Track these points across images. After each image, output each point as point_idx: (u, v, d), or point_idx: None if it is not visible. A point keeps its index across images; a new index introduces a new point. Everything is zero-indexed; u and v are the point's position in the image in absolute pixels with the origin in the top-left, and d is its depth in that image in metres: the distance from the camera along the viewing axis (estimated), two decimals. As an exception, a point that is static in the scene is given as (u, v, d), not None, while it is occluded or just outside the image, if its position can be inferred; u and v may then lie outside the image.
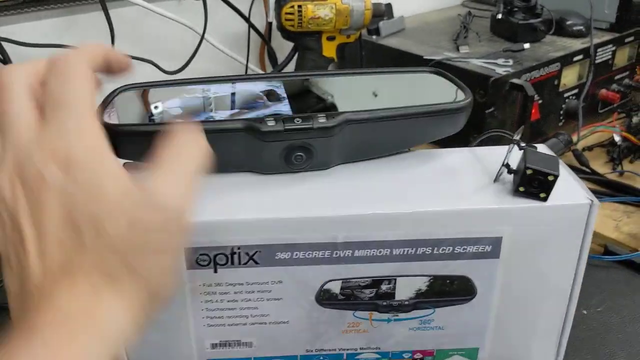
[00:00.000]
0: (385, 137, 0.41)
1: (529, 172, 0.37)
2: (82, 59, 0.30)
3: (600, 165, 0.77)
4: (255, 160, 0.40)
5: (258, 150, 0.39)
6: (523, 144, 0.39)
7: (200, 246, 0.38)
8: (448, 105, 0.40)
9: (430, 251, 0.39)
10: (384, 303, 0.41)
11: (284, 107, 0.42)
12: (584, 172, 0.75)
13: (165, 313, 0.40)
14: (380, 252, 0.39)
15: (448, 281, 0.40)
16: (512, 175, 0.39)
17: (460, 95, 0.41)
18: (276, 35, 0.79)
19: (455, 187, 0.40)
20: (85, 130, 0.27)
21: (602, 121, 0.87)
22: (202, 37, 0.72)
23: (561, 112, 0.81)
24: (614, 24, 0.86)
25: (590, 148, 0.80)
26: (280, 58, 0.80)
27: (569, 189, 0.39)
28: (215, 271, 0.39)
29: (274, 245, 0.38)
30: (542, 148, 0.43)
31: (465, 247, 0.39)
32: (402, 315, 0.41)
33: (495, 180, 0.40)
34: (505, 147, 0.41)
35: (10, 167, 0.26)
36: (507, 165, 0.39)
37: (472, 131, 0.64)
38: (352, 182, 0.40)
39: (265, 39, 0.82)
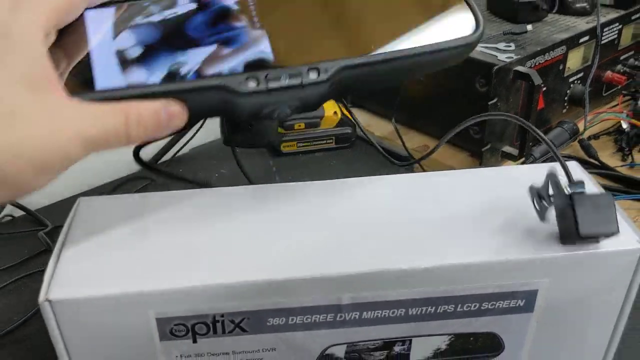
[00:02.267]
0: (382, 77, 0.34)
1: (582, 235, 0.30)
2: None
3: (608, 156, 0.72)
4: (232, 114, 0.33)
5: (235, 107, 0.32)
6: (570, 188, 0.31)
7: (175, 316, 0.31)
8: (460, 42, 0.33)
9: (452, 309, 0.32)
10: (397, 365, 0.35)
11: (263, 44, 0.32)
12: (593, 165, 0.69)
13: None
14: (393, 312, 0.32)
15: (472, 338, 0.34)
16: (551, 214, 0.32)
17: (467, 19, 0.34)
18: None
19: (483, 230, 0.33)
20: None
21: (606, 105, 0.81)
22: None
23: (565, 98, 0.75)
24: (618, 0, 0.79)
25: (596, 136, 0.74)
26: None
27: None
28: (195, 341, 0.32)
29: (265, 310, 0.32)
30: (575, 168, 0.37)
31: (495, 302, 0.32)
32: (417, 375, 0.35)
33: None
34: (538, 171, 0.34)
35: None
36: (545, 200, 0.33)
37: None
38: (357, 228, 0.34)
39: None
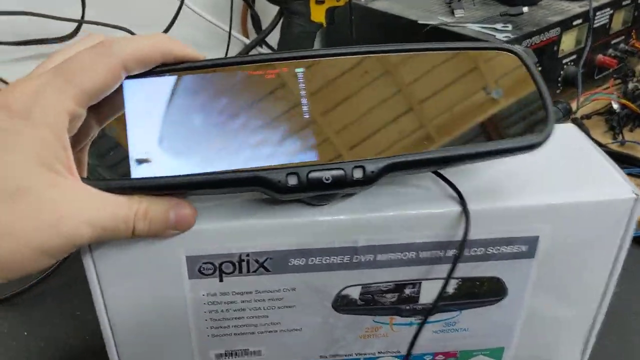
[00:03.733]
0: (429, 169, 0.34)
1: None
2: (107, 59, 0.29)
3: (600, 134, 0.75)
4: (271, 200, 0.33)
5: (274, 198, 0.32)
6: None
7: (204, 254, 0.34)
8: (522, 142, 0.31)
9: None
10: (407, 307, 0.37)
11: (307, 136, 0.30)
12: (584, 143, 0.72)
13: (162, 322, 0.36)
14: (405, 255, 0.35)
15: (477, 283, 0.37)
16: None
17: (535, 116, 0.31)
18: (260, -3, 0.73)
19: (492, 179, 0.36)
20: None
21: (598, 87, 0.84)
22: (182, 1, 0.65)
23: (559, 79, 0.77)
24: (610, -15, 0.81)
25: (588, 116, 0.77)
26: (265, 23, 0.74)
27: (612, 182, 0.35)
28: (221, 280, 0.35)
29: (288, 251, 0.34)
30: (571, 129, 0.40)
31: (499, 247, 0.35)
32: (424, 319, 0.38)
33: None
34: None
35: None
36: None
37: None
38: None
39: (249, 2, 0.75)
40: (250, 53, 0.76)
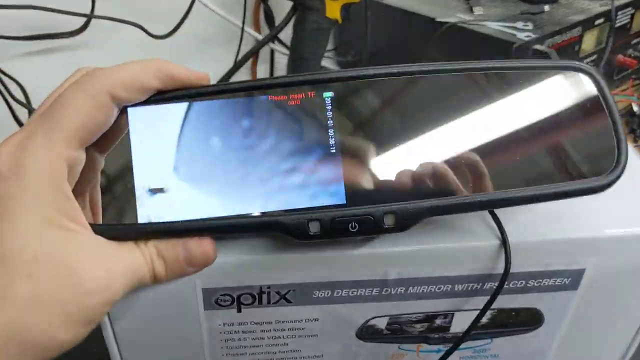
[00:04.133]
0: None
1: None
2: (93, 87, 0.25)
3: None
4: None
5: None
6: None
7: (221, 286, 0.31)
8: (586, 185, 0.26)
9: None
10: (436, 336, 0.35)
11: (334, 178, 0.27)
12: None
13: (175, 352, 0.34)
14: (439, 288, 0.32)
15: (513, 313, 0.34)
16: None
17: (607, 142, 0.26)
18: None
19: (533, 207, 0.33)
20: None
21: (616, 88, 0.81)
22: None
23: (579, 80, 0.75)
24: (631, -17, 0.79)
25: (607, 119, 0.75)
26: (278, 19, 0.71)
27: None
28: (239, 311, 0.32)
29: (311, 283, 0.31)
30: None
31: (540, 280, 0.32)
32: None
33: None
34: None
35: None
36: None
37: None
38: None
39: (262, -4, 0.72)
40: (265, 58, 0.72)
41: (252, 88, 0.28)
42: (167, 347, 0.34)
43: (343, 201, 0.26)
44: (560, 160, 0.27)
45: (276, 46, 0.71)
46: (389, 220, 0.26)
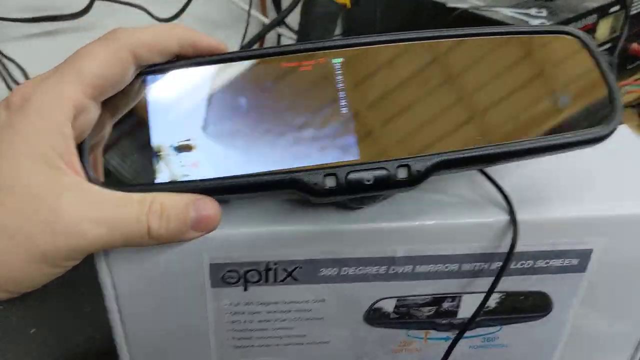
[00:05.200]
0: (479, 166, 0.31)
1: None
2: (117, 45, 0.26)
3: (632, 127, 0.71)
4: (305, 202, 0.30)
5: (309, 201, 0.29)
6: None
7: (228, 262, 0.31)
8: (583, 136, 0.27)
9: (506, 265, 0.32)
10: (444, 322, 0.35)
11: (347, 133, 0.28)
12: (618, 137, 0.69)
13: (180, 332, 0.34)
14: (447, 267, 0.32)
15: (522, 297, 0.34)
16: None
17: (600, 94, 0.28)
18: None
19: (543, 184, 0.33)
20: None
21: (629, 78, 0.80)
22: (197, -22, 0.62)
23: (592, 68, 0.74)
24: (648, -31, 0.77)
25: (620, 109, 0.74)
26: (285, 3, 0.70)
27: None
28: (246, 289, 0.32)
29: (319, 260, 0.31)
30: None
31: (548, 260, 0.32)
32: (462, 333, 0.35)
33: None
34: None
35: None
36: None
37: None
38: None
39: (267, -21, 0.71)
40: (271, 42, 0.72)
41: (265, 55, 0.29)
42: (173, 331, 0.34)
43: (356, 157, 0.27)
44: (560, 115, 0.28)
45: (283, 30, 0.71)
46: (402, 174, 0.27)
